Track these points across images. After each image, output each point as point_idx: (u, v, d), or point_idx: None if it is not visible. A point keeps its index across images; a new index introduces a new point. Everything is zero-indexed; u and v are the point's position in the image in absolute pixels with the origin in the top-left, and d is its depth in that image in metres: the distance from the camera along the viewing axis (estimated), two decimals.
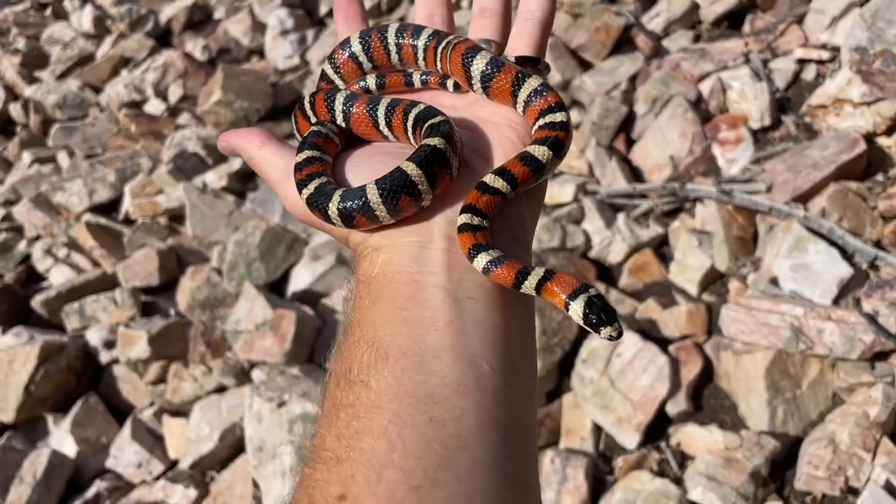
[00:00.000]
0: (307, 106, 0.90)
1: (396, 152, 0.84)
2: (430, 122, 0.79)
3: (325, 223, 0.79)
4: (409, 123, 0.82)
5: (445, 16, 0.98)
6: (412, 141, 0.83)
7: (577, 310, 0.74)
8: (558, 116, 0.81)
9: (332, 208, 0.76)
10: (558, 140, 0.79)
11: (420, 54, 0.92)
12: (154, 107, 4.95)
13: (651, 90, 3.47)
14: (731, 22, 3.96)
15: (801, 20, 3.61)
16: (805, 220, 2.71)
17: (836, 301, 2.56)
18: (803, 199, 2.85)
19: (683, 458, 2.50)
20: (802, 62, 3.48)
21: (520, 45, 0.91)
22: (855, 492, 2.22)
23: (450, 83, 0.91)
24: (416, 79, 0.93)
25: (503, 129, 0.85)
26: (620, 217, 3.16)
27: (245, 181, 4.08)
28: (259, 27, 5.34)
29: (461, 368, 0.66)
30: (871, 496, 2.14)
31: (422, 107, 0.82)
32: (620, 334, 0.74)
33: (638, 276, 3.05)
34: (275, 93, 4.66)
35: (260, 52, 5.27)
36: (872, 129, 2.92)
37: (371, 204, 0.74)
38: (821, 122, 3.10)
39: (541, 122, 0.82)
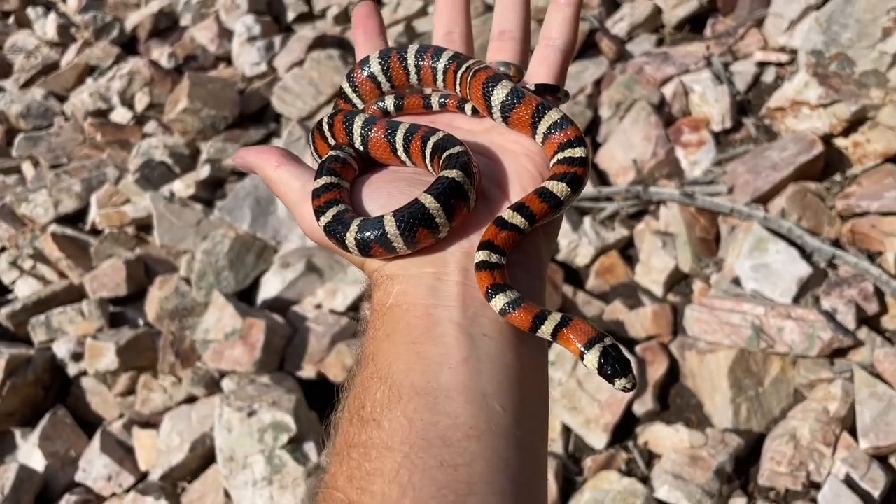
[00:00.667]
0: (325, 127, 0.90)
1: (414, 179, 0.84)
2: (448, 153, 0.79)
3: (342, 250, 0.79)
4: (428, 151, 0.82)
5: (464, 33, 0.98)
6: (430, 168, 0.83)
7: (592, 360, 0.74)
8: (578, 151, 0.81)
9: (350, 238, 0.76)
10: (577, 176, 0.79)
11: (439, 77, 0.92)
12: (120, 115, 4.90)
13: (615, 94, 3.52)
14: (693, 26, 4.03)
15: (760, 24, 3.69)
16: (765, 221, 2.77)
17: (797, 300, 2.62)
18: (764, 199, 2.91)
19: (651, 457, 2.54)
20: (762, 65, 3.55)
21: (539, 72, 0.91)
22: (816, 486, 2.27)
23: (468, 107, 0.91)
24: (435, 101, 0.93)
25: (521, 158, 0.85)
26: (587, 220, 3.20)
27: (213, 189, 4.06)
28: (226, 34, 5.32)
29: (473, 409, 0.66)
30: (832, 490, 2.20)
31: (440, 135, 0.82)
32: (635, 386, 0.74)
33: (605, 278, 3.09)
34: (242, 100, 4.64)
35: (227, 59, 5.24)
36: (829, 130, 2.99)
37: (389, 235, 0.74)
38: (780, 124, 3.16)
39: (560, 155, 0.82)
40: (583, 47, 4.00)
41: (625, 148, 3.32)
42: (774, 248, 2.68)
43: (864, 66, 2.86)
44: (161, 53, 5.42)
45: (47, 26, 6.04)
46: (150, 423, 3.16)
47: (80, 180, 4.30)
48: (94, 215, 4.12)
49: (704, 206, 2.90)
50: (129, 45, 5.80)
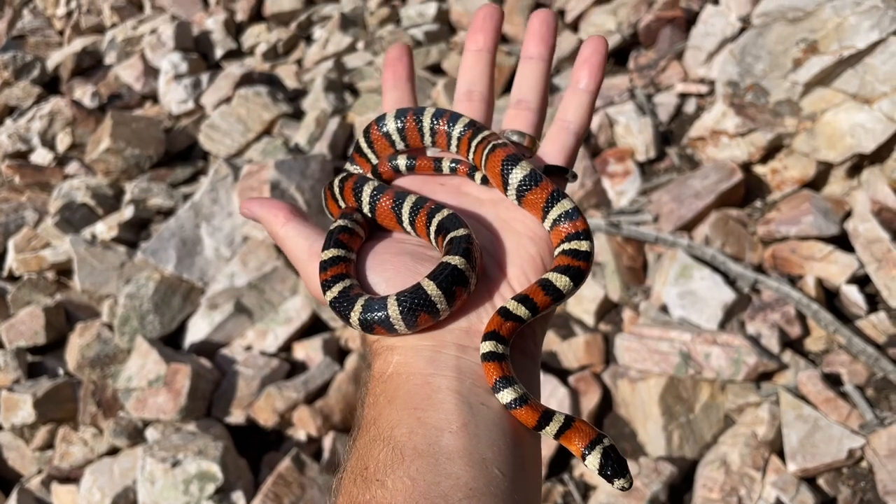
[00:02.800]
0: (336, 189, 0.93)
1: (419, 253, 0.86)
2: (452, 235, 0.81)
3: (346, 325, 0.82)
4: (433, 229, 0.85)
5: (485, 92, 1.00)
6: (434, 243, 0.86)
7: (594, 462, 0.78)
8: (584, 245, 0.84)
9: (354, 317, 0.79)
10: (580, 270, 0.82)
11: (454, 142, 0.95)
12: (41, 156, 4.75)
13: None
14: (617, 59, 4.12)
15: (680, 56, 3.79)
16: (689, 249, 2.81)
17: (723, 325, 2.65)
18: (688, 227, 2.96)
19: (587, 489, 2.52)
20: (684, 96, 3.64)
21: (552, 151, 0.94)
22: None
23: (478, 176, 0.93)
24: (446, 166, 0.95)
25: (524, 239, 0.87)
26: None
27: (137, 230, 3.94)
28: (152, 72, 5.22)
29: (473, 472, 0.68)
30: None
31: (445, 213, 0.84)
32: (631, 485, 0.78)
33: None
34: (168, 138, 4.54)
35: (153, 97, 5.14)
36: (748, 158, 3.07)
37: (391, 319, 0.77)
38: (701, 153, 3.23)
39: (565, 246, 0.85)
40: (510, 81, 4.05)
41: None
42: (699, 274, 2.72)
43: (777, 96, 2.95)
44: (84, 92, 5.29)
45: None
46: (71, 477, 3.00)
47: None
48: (11, 261, 3.95)
49: (630, 235, 2.93)
50: (50, 85, 5.65)
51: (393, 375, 0.76)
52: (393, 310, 0.77)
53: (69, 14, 6.55)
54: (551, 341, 2.91)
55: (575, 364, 2.81)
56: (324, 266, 0.83)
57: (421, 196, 0.88)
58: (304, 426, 2.90)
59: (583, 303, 2.98)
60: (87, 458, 3.00)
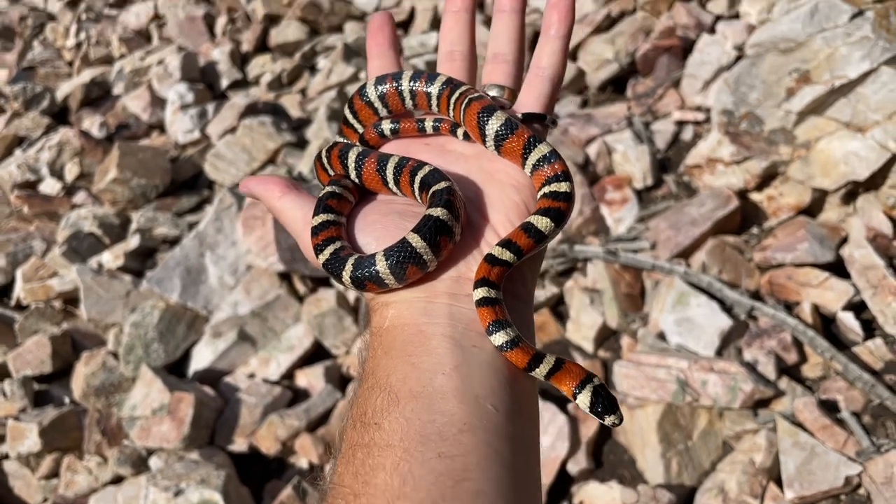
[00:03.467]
0: (324, 159, 0.97)
1: (406, 211, 0.90)
2: (434, 189, 0.84)
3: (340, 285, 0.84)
4: (416, 185, 0.87)
5: (467, 51, 1.02)
6: (419, 200, 0.88)
7: (584, 400, 0.81)
8: (563, 186, 0.86)
9: (346, 276, 0.83)
10: (560, 211, 0.85)
11: (434, 101, 0.97)
12: (49, 186, 4.82)
13: None
14: (615, 87, 4.17)
15: (677, 84, 3.84)
16: (685, 276, 2.84)
17: (720, 352, 2.67)
18: (685, 254, 2.99)
19: None
20: (681, 123, 3.68)
21: (529, 100, 0.96)
22: None
23: (460, 132, 0.96)
24: (429, 125, 0.98)
25: (507, 188, 0.90)
26: None
27: (143, 259, 4.00)
28: (159, 102, 5.31)
29: (467, 408, 0.71)
30: None
31: (427, 169, 0.87)
32: (621, 421, 0.82)
33: (537, 336, 3.12)
34: (175, 167, 4.61)
35: (160, 127, 5.22)
36: (744, 185, 3.10)
37: (381, 274, 0.81)
38: (697, 180, 3.27)
39: (545, 189, 0.87)
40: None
41: None
42: (696, 301, 2.74)
43: (771, 125, 2.99)
44: (92, 123, 5.38)
45: None
46: None
47: (4, 254, 4.19)
48: (19, 290, 4.01)
49: (627, 262, 2.96)
50: (59, 115, 5.75)
51: (389, 328, 0.79)
52: (381, 265, 0.80)
53: (78, 45, 6.67)
54: None
55: None
56: (315, 231, 0.86)
57: (403, 157, 0.91)
58: (305, 454, 2.93)
59: (582, 330, 3.00)
60: (92, 486, 3.02)
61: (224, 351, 3.36)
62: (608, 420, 0.81)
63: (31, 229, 4.49)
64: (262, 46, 5.71)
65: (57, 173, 4.87)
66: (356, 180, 0.94)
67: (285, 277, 3.56)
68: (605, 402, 0.81)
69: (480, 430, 0.70)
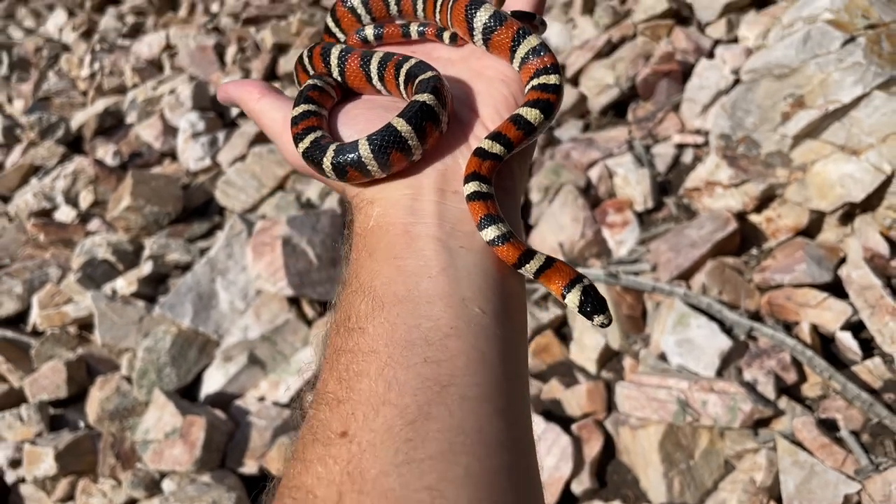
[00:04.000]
0: (306, 60, 0.93)
1: (390, 106, 0.86)
2: (420, 78, 0.81)
3: (321, 175, 0.82)
4: (401, 78, 0.85)
5: None
6: (404, 95, 0.86)
7: (573, 299, 0.80)
8: (552, 78, 0.84)
9: (327, 162, 0.79)
10: (549, 103, 0.82)
11: (419, 6, 0.95)
12: (64, 214, 4.93)
13: (543, 179, 3.68)
14: (616, 111, 4.25)
15: (677, 108, 3.92)
16: (685, 297, 2.89)
17: (720, 372, 2.72)
18: (686, 276, 3.05)
19: None
20: (681, 147, 3.75)
21: (517, 1, 0.94)
22: None
23: (446, 36, 0.93)
24: (414, 30, 0.96)
25: (495, 83, 0.87)
26: None
27: (156, 285, 4.09)
28: (171, 131, 5.43)
29: (453, 312, 0.69)
30: None
31: (413, 62, 0.84)
32: (610, 321, 0.80)
33: (541, 357, 3.17)
34: (186, 194, 4.71)
35: (172, 155, 5.34)
36: (743, 207, 3.16)
37: (363, 159, 0.77)
38: (697, 203, 3.33)
39: (534, 81, 0.84)
40: None
41: (554, 230, 3.45)
42: (696, 322, 2.80)
43: (768, 148, 3.05)
44: (106, 151, 5.50)
45: None
46: None
47: (21, 281, 4.29)
48: (35, 316, 4.10)
49: (628, 285, 3.02)
50: (74, 144, 5.88)
51: (374, 228, 0.76)
52: (364, 150, 0.77)
53: (92, 75, 6.82)
54: (555, 389, 2.99)
55: (578, 412, 2.87)
56: (295, 121, 0.83)
57: (388, 52, 0.88)
58: None
59: (585, 351, 3.05)
60: None
61: (235, 374, 3.43)
62: (596, 320, 0.78)
63: (47, 256, 4.59)
64: (271, 75, 5.83)
65: (72, 201, 4.98)
66: (339, 78, 0.90)
67: (294, 302, 3.64)
68: (595, 302, 0.79)
69: (467, 335, 0.68)
